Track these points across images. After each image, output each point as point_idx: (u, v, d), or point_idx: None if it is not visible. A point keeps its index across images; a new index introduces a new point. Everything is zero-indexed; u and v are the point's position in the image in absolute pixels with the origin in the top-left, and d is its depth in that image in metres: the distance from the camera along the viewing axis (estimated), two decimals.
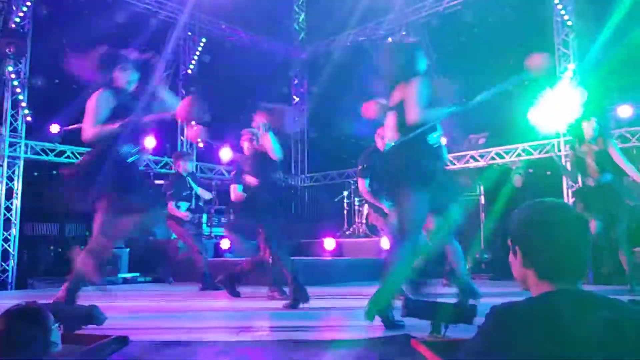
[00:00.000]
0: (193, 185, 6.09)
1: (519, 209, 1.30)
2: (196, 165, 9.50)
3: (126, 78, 3.52)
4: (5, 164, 7.14)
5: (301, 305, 3.93)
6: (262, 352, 2.51)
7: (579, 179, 5.67)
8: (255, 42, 10.44)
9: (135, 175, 3.63)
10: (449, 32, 9.05)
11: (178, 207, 5.92)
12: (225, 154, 9.01)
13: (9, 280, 6.91)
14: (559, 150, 7.40)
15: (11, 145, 7.21)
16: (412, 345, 2.41)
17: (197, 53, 9.45)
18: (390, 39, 9.43)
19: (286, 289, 4.44)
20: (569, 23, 7.43)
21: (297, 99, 11.20)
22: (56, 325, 1.79)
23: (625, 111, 7.02)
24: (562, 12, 7.46)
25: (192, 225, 6.08)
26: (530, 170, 7.64)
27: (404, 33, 9.43)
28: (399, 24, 9.49)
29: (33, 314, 1.70)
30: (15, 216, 7.14)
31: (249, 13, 9.41)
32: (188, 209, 6.01)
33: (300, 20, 11.21)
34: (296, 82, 11.24)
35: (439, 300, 2.87)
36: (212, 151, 9.55)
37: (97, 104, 3.41)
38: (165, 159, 8.81)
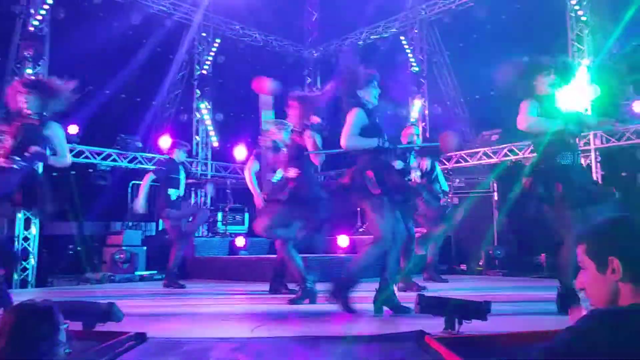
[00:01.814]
0: (182, 174, 6.02)
1: (611, 223, 1.30)
2: (211, 165, 9.60)
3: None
4: None
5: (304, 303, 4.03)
6: (277, 348, 2.55)
7: None
8: (268, 42, 10.50)
9: None
10: (461, 30, 9.01)
11: (168, 194, 5.81)
12: (240, 152, 9.10)
13: (29, 278, 7.06)
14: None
15: None
16: (426, 341, 2.44)
17: (212, 53, 9.54)
18: (402, 38, 9.43)
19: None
20: (583, 18, 7.36)
21: None
22: (65, 325, 1.74)
23: None
24: (576, 7, 7.38)
25: (184, 219, 5.98)
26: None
27: (416, 31, 9.42)
28: (411, 22, 9.47)
29: (42, 311, 1.67)
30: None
31: (262, 13, 9.47)
32: (178, 197, 5.88)
33: (313, 20, 11.24)
34: (309, 81, 11.28)
35: (452, 296, 2.90)
36: (227, 150, 9.64)
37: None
38: None
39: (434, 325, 2.68)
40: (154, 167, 7.60)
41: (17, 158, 3.52)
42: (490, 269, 7.05)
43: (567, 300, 3.22)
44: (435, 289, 3.91)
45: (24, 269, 7.08)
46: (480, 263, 7.23)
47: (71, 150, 7.75)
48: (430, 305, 2.83)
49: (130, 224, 8.14)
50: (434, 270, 5.91)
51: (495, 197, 7.61)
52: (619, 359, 1.04)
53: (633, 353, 1.03)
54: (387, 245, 3.43)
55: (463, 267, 7.46)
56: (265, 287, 5.13)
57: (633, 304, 1.17)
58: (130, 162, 8.24)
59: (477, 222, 7.52)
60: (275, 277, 4.95)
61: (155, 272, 6.99)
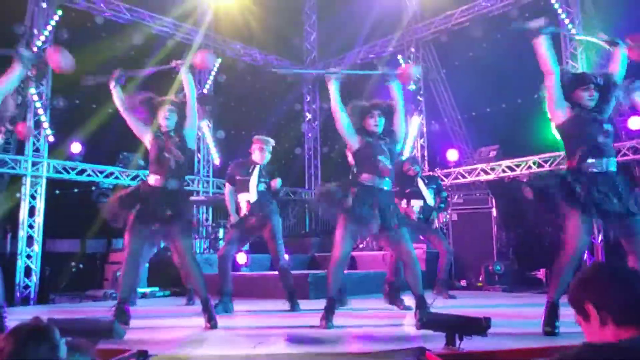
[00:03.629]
0: None
1: (583, 273, 1.36)
2: (212, 182, 9.65)
3: None
4: (28, 183, 7.34)
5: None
6: None
7: None
8: (268, 61, 10.64)
9: None
10: (457, 48, 9.16)
11: None
12: None
13: (32, 295, 7.07)
14: None
15: (34, 164, 7.41)
16: (427, 357, 2.46)
17: (213, 73, 9.66)
18: (399, 56, 9.57)
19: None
20: (574, 33, 7.49)
21: (309, 115, 11.36)
22: (62, 340, 1.69)
23: (635, 123, 7.04)
24: (570, 25, 7.53)
25: None
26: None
27: (412, 49, 9.56)
28: (407, 41, 9.62)
29: (39, 333, 1.61)
30: (37, 233, 7.32)
31: (262, 33, 9.62)
32: None
33: (312, 39, 11.41)
34: (308, 99, 11.40)
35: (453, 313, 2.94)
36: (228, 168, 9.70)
37: None
38: None
39: (435, 341, 2.71)
40: None
41: None
42: (490, 284, 7.07)
43: (552, 316, 3.18)
44: (437, 306, 3.94)
45: (26, 287, 7.09)
46: (480, 278, 7.25)
47: (74, 169, 7.85)
48: (430, 322, 2.86)
49: None
50: (444, 286, 5.95)
51: (494, 213, 7.66)
52: None
53: None
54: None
55: (463, 282, 7.47)
56: (267, 304, 5.15)
57: (621, 340, 1.20)
58: (132, 179, 8.29)
59: (476, 238, 7.57)
60: (289, 293, 4.97)
61: (157, 289, 7.00)
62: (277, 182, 4.93)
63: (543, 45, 3.39)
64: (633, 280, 1.28)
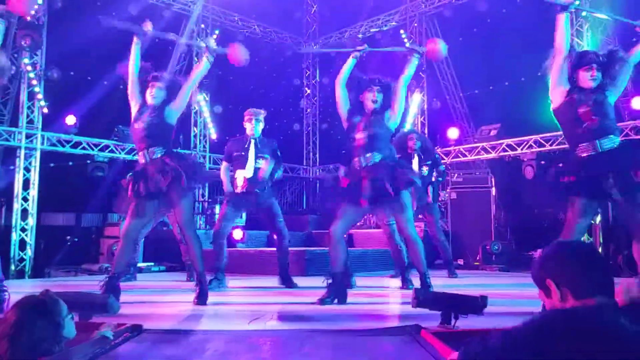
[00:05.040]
0: None
1: (544, 252, 1.43)
2: (209, 157, 9.58)
3: None
4: (22, 155, 7.27)
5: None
6: (272, 341, 2.55)
7: None
8: (267, 34, 10.46)
9: None
10: (460, 23, 8.98)
11: None
12: None
13: (26, 269, 7.07)
14: None
15: (28, 136, 7.33)
16: (422, 335, 2.45)
17: None
18: (402, 31, 9.39)
19: None
20: (583, 14, 7.33)
21: (308, 91, 11.22)
22: (70, 316, 1.71)
23: (639, 103, 6.94)
24: (577, 2, 7.34)
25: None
26: (542, 162, 7.60)
27: (415, 24, 9.37)
28: (410, 16, 9.43)
29: (42, 307, 1.62)
30: (32, 206, 7.28)
31: (261, 5, 9.42)
32: None
33: (312, 12, 11.19)
34: (308, 73, 11.24)
35: (449, 291, 2.91)
36: (225, 142, 9.62)
37: None
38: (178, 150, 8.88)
39: (430, 319, 2.68)
40: None
41: None
42: (487, 263, 7.07)
43: None
44: (435, 284, 3.92)
45: (21, 260, 7.08)
46: (478, 258, 7.25)
47: (68, 142, 7.76)
48: (426, 300, 2.84)
49: None
50: (448, 264, 5.91)
51: (493, 192, 7.61)
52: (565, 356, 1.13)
53: (579, 349, 1.12)
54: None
55: (460, 261, 7.47)
56: (263, 280, 5.13)
57: (574, 308, 1.28)
58: (127, 153, 8.21)
59: (474, 217, 7.54)
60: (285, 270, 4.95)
61: (152, 263, 6.99)
62: (278, 174, 4.92)
63: (564, 21, 3.33)
64: (589, 256, 1.36)
